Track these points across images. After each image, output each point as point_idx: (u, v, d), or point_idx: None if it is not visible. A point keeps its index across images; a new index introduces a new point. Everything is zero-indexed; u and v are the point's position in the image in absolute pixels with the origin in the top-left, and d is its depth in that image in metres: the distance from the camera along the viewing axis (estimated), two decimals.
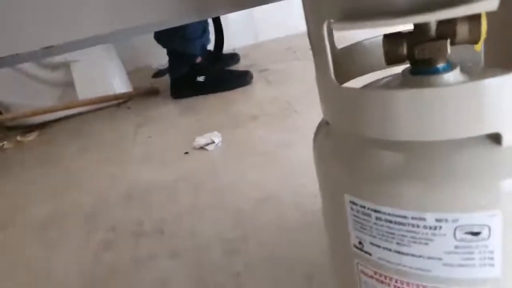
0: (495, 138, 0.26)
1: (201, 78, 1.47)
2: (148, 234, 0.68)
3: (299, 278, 0.50)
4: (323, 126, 0.36)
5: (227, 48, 1.76)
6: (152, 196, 0.81)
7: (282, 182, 0.73)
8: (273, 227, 0.61)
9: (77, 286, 0.59)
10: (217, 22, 1.62)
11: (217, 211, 0.69)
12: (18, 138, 1.50)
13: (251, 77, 1.48)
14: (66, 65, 1.62)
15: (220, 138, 1.01)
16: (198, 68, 1.49)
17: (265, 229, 0.61)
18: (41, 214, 0.85)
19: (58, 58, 1.56)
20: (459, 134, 0.25)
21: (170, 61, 1.52)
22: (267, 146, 0.91)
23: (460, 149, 0.27)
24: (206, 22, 1.59)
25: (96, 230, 0.73)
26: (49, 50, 0.46)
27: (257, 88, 1.41)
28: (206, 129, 1.07)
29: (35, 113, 1.58)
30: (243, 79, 1.47)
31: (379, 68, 0.39)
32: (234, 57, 1.84)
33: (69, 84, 1.64)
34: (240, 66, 1.77)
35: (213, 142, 0.99)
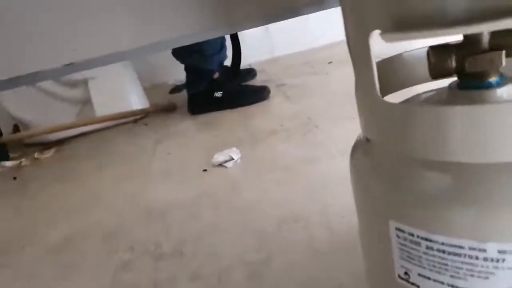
0: None
1: (218, 94, 1.47)
2: (167, 255, 0.65)
3: None
4: (361, 143, 0.34)
5: (242, 64, 1.75)
6: (171, 214, 0.79)
7: (305, 200, 0.70)
8: (298, 248, 0.58)
9: None
10: (234, 38, 1.62)
11: (239, 231, 0.67)
12: (36, 155, 1.50)
13: (269, 92, 1.47)
14: (84, 82, 1.63)
15: (239, 155, 0.99)
16: (216, 83, 1.49)
17: (290, 251, 0.58)
18: (59, 234, 0.83)
19: (76, 75, 1.58)
20: None
21: (187, 76, 1.52)
22: (288, 162, 0.88)
23: None
24: (223, 38, 1.59)
25: (115, 251, 0.71)
26: (70, 67, 0.45)
27: (276, 103, 1.40)
28: (224, 145, 1.06)
29: (53, 130, 1.59)
30: (260, 94, 1.46)
31: (419, 81, 0.36)
32: (251, 72, 1.84)
33: (87, 101, 1.65)
34: (257, 81, 1.76)
35: (232, 158, 0.97)
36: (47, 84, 1.60)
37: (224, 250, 0.63)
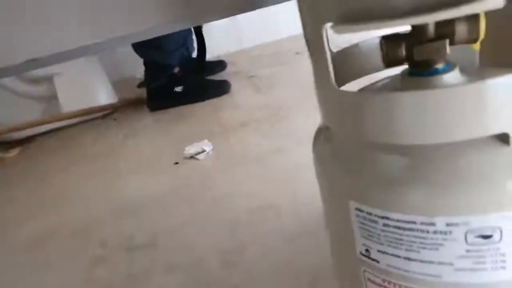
0: (503, 139, 0.25)
1: (179, 89, 1.46)
2: (140, 248, 0.66)
3: (301, 285, 0.49)
4: (322, 131, 0.35)
5: (212, 56, 1.75)
6: (143, 208, 0.79)
7: (276, 189, 0.72)
8: (271, 236, 0.60)
9: None
10: (198, 31, 1.61)
11: (212, 222, 0.68)
12: (0, 154, 1.46)
13: (229, 86, 1.47)
14: (49, 79, 1.59)
15: (211, 147, 0.99)
16: (176, 78, 1.48)
17: (262, 238, 0.60)
18: (28, 233, 0.82)
19: (40, 72, 1.53)
20: (465, 136, 0.25)
21: (146, 71, 1.50)
22: (259, 153, 0.90)
23: (467, 151, 0.26)
24: (187, 33, 1.58)
25: (87, 247, 0.70)
26: (34, 63, 0.44)
27: (245, 95, 1.40)
28: (196, 138, 1.06)
29: (17, 128, 1.54)
30: (222, 88, 1.46)
31: (375, 70, 0.38)
32: (220, 64, 1.83)
33: (53, 98, 1.61)
34: (227, 73, 1.76)
35: (204, 151, 0.98)
36: (10, 81, 1.55)
37: (198, 241, 0.64)
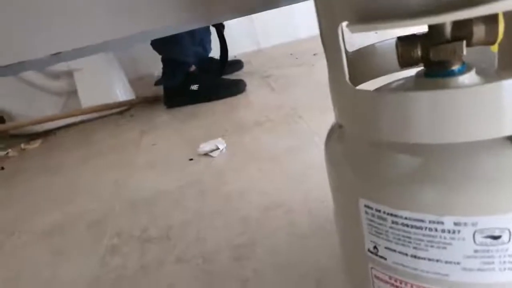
0: None
1: (194, 87, 1.48)
2: (154, 240, 0.67)
3: (308, 282, 0.50)
4: (335, 130, 0.36)
5: (229, 55, 1.76)
6: (158, 202, 0.80)
7: (288, 188, 0.73)
8: (281, 232, 0.60)
9: None
10: (220, 33, 1.63)
11: (224, 217, 0.69)
12: (22, 146, 1.50)
13: (245, 85, 1.48)
14: (69, 74, 1.63)
15: (225, 145, 1.01)
16: (192, 76, 1.49)
17: (273, 235, 0.60)
18: (46, 222, 0.84)
19: (61, 67, 1.57)
20: (477, 136, 0.25)
21: (164, 69, 1.53)
22: (273, 151, 0.91)
23: (478, 151, 0.26)
24: (204, 31, 1.59)
25: (102, 237, 0.72)
26: (57, 57, 0.46)
27: (261, 94, 1.41)
28: (210, 136, 1.07)
29: (38, 121, 1.58)
30: (237, 87, 1.48)
31: (391, 71, 0.38)
32: (237, 64, 1.85)
33: (73, 93, 1.65)
34: (243, 73, 1.78)
35: (218, 148, 0.99)
36: (33, 76, 1.59)
37: (210, 235, 0.65)
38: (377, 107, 0.28)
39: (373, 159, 0.30)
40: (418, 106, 0.26)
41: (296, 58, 1.78)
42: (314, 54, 1.73)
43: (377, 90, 0.36)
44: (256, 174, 0.82)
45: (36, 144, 1.51)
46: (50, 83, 1.64)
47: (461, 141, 0.25)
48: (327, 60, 0.32)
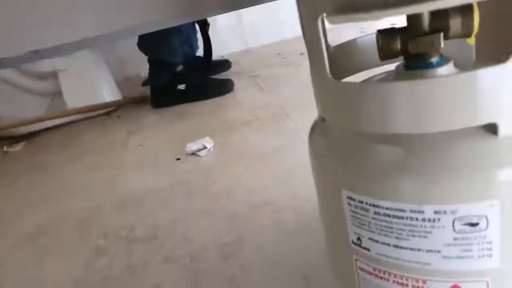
0: (491, 128, 0.26)
1: (182, 87, 1.47)
2: (141, 240, 0.67)
3: (296, 278, 0.50)
4: (318, 123, 0.36)
5: (216, 55, 1.76)
6: (145, 202, 0.80)
7: (275, 186, 0.73)
8: (269, 230, 0.61)
9: None
10: (204, 30, 1.63)
11: (212, 216, 0.69)
12: (5, 148, 1.47)
13: (232, 85, 1.48)
14: (54, 75, 1.60)
15: (212, 144, 1.00)
16: (179, 76, 1.49)
17: (261, 233, 0.61)
18: (32, 223, 0.83)
19: (45, 67, 1.55)
20: (455, 125, 0.25)
21: (150, 69, 1.52)
22: (260, 150, 0.91)
23: (456, 140, 0.27)
24: (190, 29, 1.59)
25: (88, 237, 0.71)
26: (37, 54, 0.45)
27: (249, 94, 1.41)
28: (197, 135, 1.07)
29: (22, 123, 1.56)
30: (225, 87, 1.47)
31: (373, 65, 0.39)
32: (225, 64, 1.84)
33: (58, 94, 1.63)
34: (231, 73, 1.77)
35: (205, 147, 0.99)
36: (16, 77, 1.56)
37: (197, 234, 0.64)
38: (357, 98, 0.28)
39: (355, 151, 0.31)
40: (397, 96, 0.26)
41: (284, 58, 1.79)
42: (301, 54, 1.73)
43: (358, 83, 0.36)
44: (244, 173, 0.82)
45: (19, 146, 1.49)
46: (34, 84, 1.62)
47: (438, 131, 0.26)
48: (309, 55, 0.33)
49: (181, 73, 1.51)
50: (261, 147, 0.92)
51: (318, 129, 0.36)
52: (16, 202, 0.98)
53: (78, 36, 0.46)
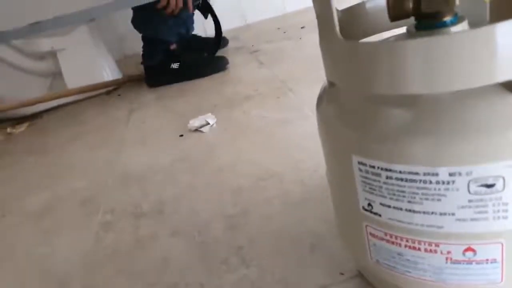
0: (508, 86, 0.25)
1: (175, 65, 1.46)
2: (147, 214, 0.67)
3: (302, 248, 0.50)
4: (326, 90, 0.35)
5: (213, 32, 1.73)
6: (149, 178, 0.80)
7: (279, 159, 0.73)
8: (274, 202, 0.61)
9: (79, 267, 0.59)
10: (210, 10, 1.60)
11: (217, 190, 0.68)
12: (8, 130, 1.47)
13: (227, 62, 1.46)
14: (53, 54, 1.58)
15: (215, 120, 1.00)
16: (173, 55, 1.47)
17: (266, 204, 0.61)
18: (38, 201, 0.84)
19: (44, 47, 1.53)
20: (470, 84, 0.25)
21: (144, 48, 1.51)
22: (263, 125, 0.90)
23: (471, 100, 0.26)
24: (184, 9, 1.55)
25: (95, 214, 0.72)
26: (37, 26, 0.44)
27: (249, 69, 1.40)
28: (200, 111, 1.06)
29: (24, 104, 1.54)
30: (218, 65, 1.46)
31: (381, 29, 0.38)
32: (222, 41, 1.81)
33: (58, 74, 1.61)
34: (230, 49, 1.75)
35: (208, 123, 0.98)
36: (16, 57, 1.54)
37: (203, 207, 0.65)
38: (369, 58, 0.27)
39: (366, 115, 0.30)
40: (411, 54, 0.25)
41: (284, 32, 1.76)
42: (302, 27, 1.70)
43: None
44: (248, 147, 0.81)
45: (22, 127, 1.48)
46: (34, 65, 1.59)
47: (454, 90, 0.25)
48: (317, 18, 0.31)
49: (174, 51, 1.49)
50: (264, 122, 0.91)
51: (326, 95, 0.35)
52: (21, 182, 0.98)
53: (76, 8, 0.45)
